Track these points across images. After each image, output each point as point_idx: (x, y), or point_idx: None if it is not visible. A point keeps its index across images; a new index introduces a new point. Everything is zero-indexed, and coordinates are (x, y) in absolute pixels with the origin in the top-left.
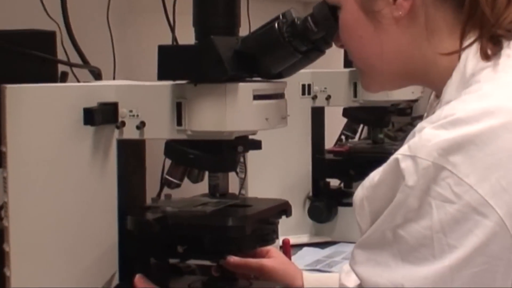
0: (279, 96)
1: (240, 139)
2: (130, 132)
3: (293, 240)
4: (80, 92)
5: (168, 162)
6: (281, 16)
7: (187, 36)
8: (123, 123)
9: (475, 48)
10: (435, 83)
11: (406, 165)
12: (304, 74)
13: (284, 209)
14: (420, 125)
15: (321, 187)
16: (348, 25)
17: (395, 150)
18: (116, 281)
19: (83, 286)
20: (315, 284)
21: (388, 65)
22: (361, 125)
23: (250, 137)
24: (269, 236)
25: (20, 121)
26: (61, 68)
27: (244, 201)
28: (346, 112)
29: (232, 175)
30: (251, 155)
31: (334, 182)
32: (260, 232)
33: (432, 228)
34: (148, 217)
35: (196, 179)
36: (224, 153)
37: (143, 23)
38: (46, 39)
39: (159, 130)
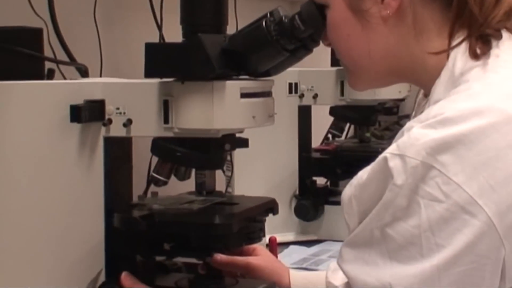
0: (266, 94)
1: (227, 137)
2: (117, 130)
3: (280, 238)
4: (67, 89)
5: (155, 159)
6: (268, 15)
7: (174, 34)
8: (110, 121)
9: (463, 47)
10: (424, 82)
11: (394, 164)
12: (291, 73)
13: (270, 207)
14: (408, 124)
15: (307, 185)
16: (336, 24)
17: (382, 149)
18: (102, 278)
19: (69, 283)
20: (302, 282)
21: (375, 64)
22: (348, 124)
23: (237, 135)
24: (256, 234)
25: (6, 118)
26: (47, 65)
27: (230, 199)
28: (333, 111)
29: (218, 173)
30: (238, 153)
31: (321, 181)
32: (247, 230)
33: (420, 227)
34: (135, 214)
35: (183, 177)
36: (211, 151)
37: (130, 20)
38: (32, 36)
39: (146, 128)
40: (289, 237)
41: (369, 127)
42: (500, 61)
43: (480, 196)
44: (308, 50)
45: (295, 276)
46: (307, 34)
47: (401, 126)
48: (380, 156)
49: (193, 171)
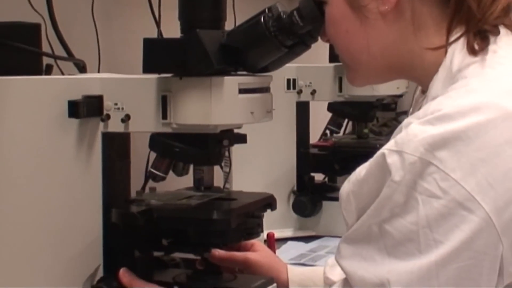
0: (265, 90)
1: (225, 132)
2: (115, 125)
3: (277, 234)
4: (65, 84)
5: (153, 155)
6: (267, 10)
7: (172, 29)
8: (108, 116)
9: (461, 43)
10: (421, 78)
11: (392, 160)
12: (289, 69)
13: (269, 202)
14: (406, 120)
15: (305, 181)
16: (335, 20)
17: (380, 145)
18: (100, 274)
19: (67, 278)
20: (300, 278)
21: (374, 59)
22: (346, 120)
23: (235, 131)
24: (254, 229)
25: (3, 113)
26: (45, 60)
27: (229, 195)
28: (331, 107)
29: (217, 169)
30: (236, 148)
31: (319, 177)
32: (245, 226)
33: (418, 223)
34: (133, 210)
35: (181, 173)
36: (209, 147)
37: (128, 16)
38: (30, 31)
39: (144, 123)
40: (287, 233)
41: (367, 123)
42: (498, 57)
43: (478, 192)
44: (306, 46)
45: (293, 272)
46: (305, 30)
47: (399, 122)
48: (378, 153)
49: (191, 166)
